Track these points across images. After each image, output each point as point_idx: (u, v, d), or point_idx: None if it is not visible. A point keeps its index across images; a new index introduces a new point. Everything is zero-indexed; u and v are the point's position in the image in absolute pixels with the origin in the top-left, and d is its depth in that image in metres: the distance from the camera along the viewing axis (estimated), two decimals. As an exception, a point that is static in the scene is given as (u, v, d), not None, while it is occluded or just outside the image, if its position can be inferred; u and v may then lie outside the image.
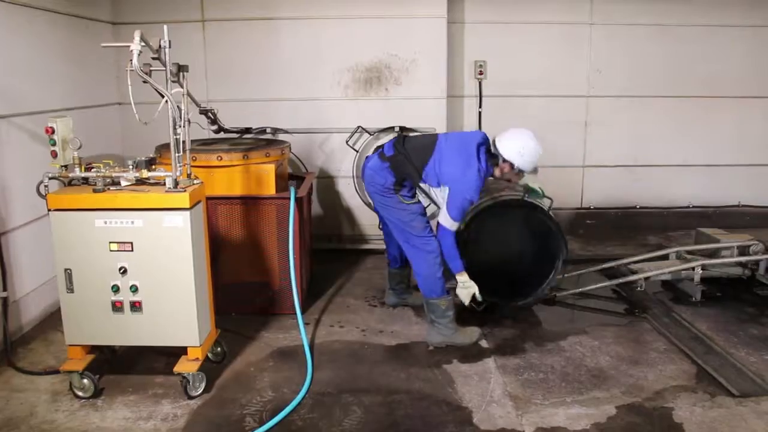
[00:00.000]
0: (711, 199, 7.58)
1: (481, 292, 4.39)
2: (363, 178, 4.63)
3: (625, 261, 5.61)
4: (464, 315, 4.61)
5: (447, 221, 4.24)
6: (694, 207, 7.58)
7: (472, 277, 4.37)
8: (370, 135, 6.46)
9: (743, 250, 5.25)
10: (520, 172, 4.33)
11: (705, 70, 7.29)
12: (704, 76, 7.31)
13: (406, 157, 4.37)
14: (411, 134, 4.97)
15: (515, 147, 4.19)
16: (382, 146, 4.61)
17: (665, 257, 5.57)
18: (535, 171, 4.36)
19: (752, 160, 7.58)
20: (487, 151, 4.31)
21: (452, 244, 4.28)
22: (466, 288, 4.33)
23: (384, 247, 5.14)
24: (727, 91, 7.36)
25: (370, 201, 4.77)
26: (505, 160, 4.22)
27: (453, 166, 4.25)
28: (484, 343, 4.43)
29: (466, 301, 4.36)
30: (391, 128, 6.45)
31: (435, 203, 4.48)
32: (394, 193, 4.41)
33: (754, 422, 3.41)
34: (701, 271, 5.14)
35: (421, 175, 4.34)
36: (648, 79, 7.27)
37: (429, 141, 4.46)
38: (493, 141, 4.28)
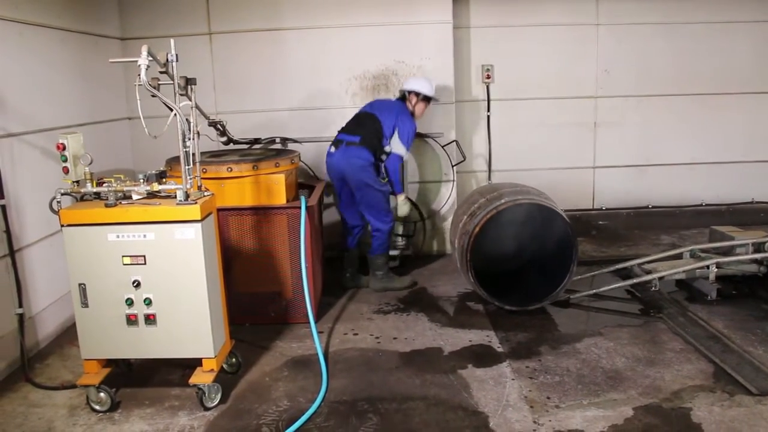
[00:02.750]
0: (724, 196, 7.53)
1: (492, 296, 4.73)
2: (332, 165, 5.47)
3: (638, 261, 5.58)
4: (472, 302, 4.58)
5: (400, 149, 5.44)
6: (707, 205, 7.53)
7: (482, 282, 4.76)
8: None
9: (758, 247, 5.20)
10: (426, 100, 5.64)
11: (713, 67, 7.26)
12: (713, 73, 7.28)
13: (371, 133, 5.38)
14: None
15: (411, 79, 5.82)
16: (338, 141, 5.47)
17: (679, 256, 5.53)
18: (435, 99, 5.75)
19: (765, 156, 7.53)
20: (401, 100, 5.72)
21: (398, 167, 5.50)
22: (406, 203, 5.75)
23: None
24: (737, 88, 7.33)
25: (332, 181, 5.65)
26: (410, 92, 5.62)
27: (391, 109, 5.55)
28: (498, 347, 4.42)
29: (406, 211, 5.75)
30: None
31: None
32: (376, 174, 5.38)
33: (774, 421, 3.38)
34: (716, 270, 5.10)
35: (382, 141, 5.39)
36: (656, 78, 7.25)
37: (367, 114, 5.55)
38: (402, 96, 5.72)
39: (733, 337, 4.42)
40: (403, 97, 5.68)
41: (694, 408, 3.53)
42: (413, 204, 6.20)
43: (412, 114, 5.60)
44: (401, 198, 5.63)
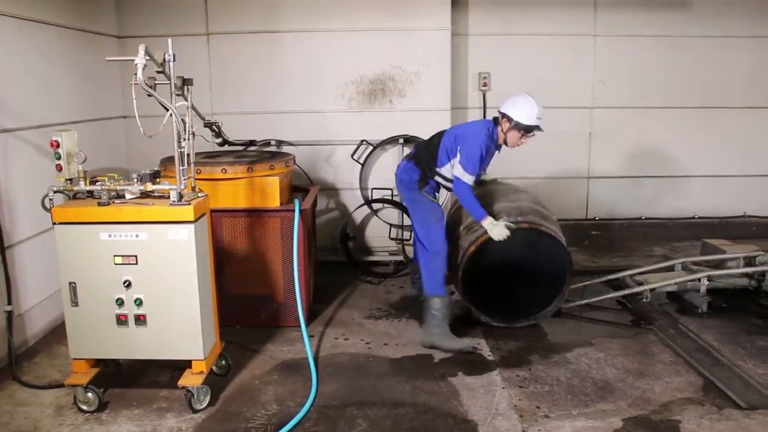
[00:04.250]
0: (716, 209, 7.56)
1: (485, 314, 4.73)
2: (396, 179, 4.99)
3: (630, 272, 5.59)
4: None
5: (462, 174, 4.52)
6: (699, 218, 7.56)
7: (473, 290, 4.68)
8: (374, 147, 6.47)
9: (749, 261, 5.22)
10: (521, 129, 4.54)
11: (709, 81, 7.31)
12: (708, 86, 7.32)
13: (426, 152, 4.79)
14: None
15: (509, 99, 4.63)
16: (412, 151, 5.06)
17: (671, 268, 5.55)
18: (535, 128, 4.56)
19: (758, 171, 7.58)
20: (494, 122, 4.72)
21: (471, 195, 4.56)
22: (495, 226, 4.51)
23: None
24: (732, 102, 7.37)
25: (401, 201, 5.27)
26: (503, 116, 4.58)
27: (463, 129, 4.76)
28: (489, 356, 4.41)
29: (501, 236, 4.50)
30: (395, 139, 6.47)
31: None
32: (418, 188, 4.76)
33: (762, 435, 3.39)
34: (707, 282, 5.12)
35: (436, 161, 4.71)
36: (652, 90, 7.29)
37: (440, 133, 4.86)
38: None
39: (723, 351, 4.43)
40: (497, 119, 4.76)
41: (683, 420, 3.54)
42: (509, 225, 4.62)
43: (504, 142, 4.69)
44: (486, 223, 4.56)
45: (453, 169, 4.63)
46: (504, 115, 4.59)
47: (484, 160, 4.68)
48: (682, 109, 7.33)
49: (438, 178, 4.78)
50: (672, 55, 7.21)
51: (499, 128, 4.64)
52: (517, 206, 4.80)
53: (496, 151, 4.85)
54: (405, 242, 6.48)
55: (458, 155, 4.57)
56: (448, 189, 4.81)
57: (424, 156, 4.79)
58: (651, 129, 7.36)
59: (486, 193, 4.93)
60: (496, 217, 4.60)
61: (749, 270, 5.16)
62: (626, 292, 5.25)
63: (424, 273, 4.68)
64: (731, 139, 7.46)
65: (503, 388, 3.96)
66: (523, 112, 4.51)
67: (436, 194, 4.92)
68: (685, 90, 7.30)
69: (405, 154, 5.14)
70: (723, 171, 7.53)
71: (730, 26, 7.19)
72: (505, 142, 4.67)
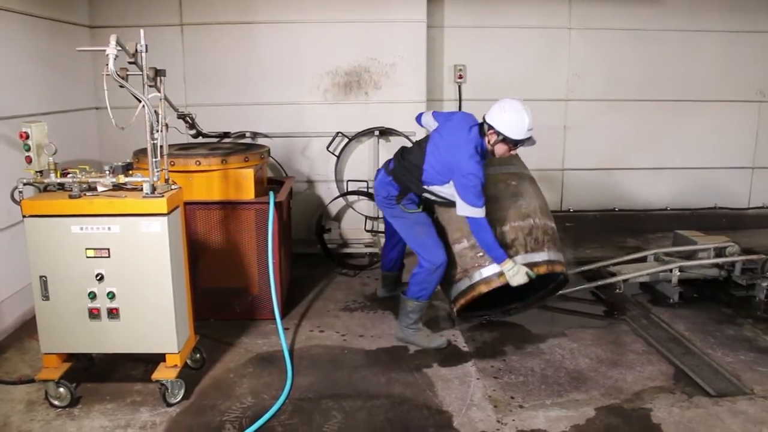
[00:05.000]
0: (688, 201, 7.67)
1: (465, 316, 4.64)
2: (374, 190, 4.68)
3: (604, 263, 5.66)
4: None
5: (470, 211, 4.06)
6: (671, 209, 7.67)
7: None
8: (350, 139, 6.46)
9: (720, 252, 5.32)
10: (509, 142, 4.05)
11: (681, 74, 7.40)
12: (681, 80, 7.41)
13: (405, 168, 4.41)
14: (413, 142, 4.93)
15: (496, 107, 4.09)
16: (390, 160, 4.63)
17: (643, 259, 5.63)
18: (527, 141, 4.09)
19: (728, 163, 7.69)
20: (480, 131, 4.19)
21: (487, 234, 4.11)
22: (517, 274, 4.16)
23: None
24: (703, 95, 7.47)
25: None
26: (490, 127, 4.07)
27: (451, 154, 4.15)
28: (464, 347, 4.44)
29: (521, 282, 4.17)
30: (371, 131, 6.46)
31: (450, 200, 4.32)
32: (396, 203, 4.47)
33: (730, 421, 3.45)
34: (679, 273, 5.21)
35: (422, 181, 4.32)
36: (626, 83, 7.35)
37: (423, 144, 4.42)
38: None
39: (693, 340, 4.50)
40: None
41: (654, 409, 3.59)
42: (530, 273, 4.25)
43: (492, 154, 4.20)
44: (506, 267, 4.16)
45: (457, 204, 4.12)
46: (491, 127, 4.07)
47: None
48: (654, 102, 7.41)
49: (429, 195, 4.40)
50: (645, 48, 7.28)
51: (486, 139, 4.14)
52: (530, 225, 4.40)
53: None
54: (380, 233, 6.48)
55: (455, 190, 4.10)
56: (438, 203, 4.46)
57: (406, 176, 4.38)
58: (624, 122, 7.43)
59: (488, 199, 4.16)
60: (510, 248, 4.25)
61: (719, 261, 5.26)
62: (600, 283, 5.32)
63: (416, 281, 4.40)
64: (702, 131, 7.56)
65: (478, 378, 3.99)
66: (511, 125, 4.00)
67: (418, 203, 4.49)
68: (657, 83, 7.38)
69: (384, 161, 4.72)
70: (694, 163, 7.64)
71: (701, 20, 7.28)
72: (492, 154, 4.20)
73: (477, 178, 4.00)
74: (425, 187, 4.33)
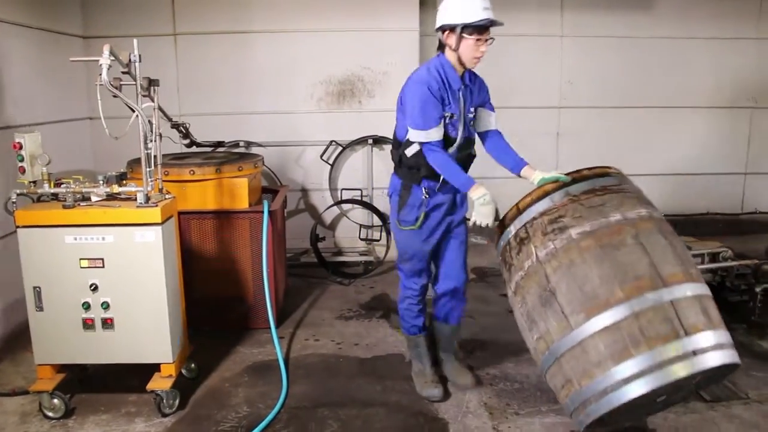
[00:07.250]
0: (680, 207, 7.69)
1: None
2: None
3: (598, 270, 5.64)
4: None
5: (417, 135, 3.47)
6: (665, 215, 7.65)
7: None
8: (344, 148, 6.47)
9: (713, 257, 5.33)
10: (470, 32, 3.44)
11: (673, 81, 7.44)
12: (672, 86, 7.45)
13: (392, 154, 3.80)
14: None
15: (440, 7, 3.52)
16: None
17: (637, 265, 5.61)
18: (487, 23, 3.43)
19: (720, 169, 7.74)
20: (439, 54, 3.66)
21: (441, 159, 3.45)
22: (485, 205, 3.39)
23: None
24: (695, 102, 7.52)
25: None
26: (443, 31, 3.52)
27: (402, 94, 3.66)
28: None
29: (489, 221, 3.41)
30: (365, 139, 6.48)
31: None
32: (398, 209, 3.73)
33: (725, 426, 3.46)
34: (672, 279, 5.20)
35: (399, 143, 3.69)
36: (618, 90, 7.39)
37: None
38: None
39: (688, 346, 4.50)
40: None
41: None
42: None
43: (461, 63, 3.57)
44: (474, 194, 3.42)
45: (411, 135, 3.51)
46: (442, 30, 3.49)
47: (446, 102, 3.54)
48: (646, 109, 7.45)
49: (413, 164, 3.61)
50: (637, 55, 7.32)
51: (447, 51, 3.55)
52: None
53: (472, 86, 3.76)
54: (375, 242, 6.49)
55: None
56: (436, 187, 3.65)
57: (393, 154, 3.78)
58: (617, 128, 7.46)
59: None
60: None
61: (713, 266, 5.26)
62: (594, 289, 5.31)
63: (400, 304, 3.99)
64: (694, 137, 7.60)
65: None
66: (459, 9, 3.36)
67: (422, 210, 3.67)
68: (649, 90, 7.42)
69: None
70: (687, 169, 7.67)
71: (692, 28, 7.33)
72: (462, 63, 3.55)
73: (423, 92, 3.44)
74: (404, 152, 3.61)
